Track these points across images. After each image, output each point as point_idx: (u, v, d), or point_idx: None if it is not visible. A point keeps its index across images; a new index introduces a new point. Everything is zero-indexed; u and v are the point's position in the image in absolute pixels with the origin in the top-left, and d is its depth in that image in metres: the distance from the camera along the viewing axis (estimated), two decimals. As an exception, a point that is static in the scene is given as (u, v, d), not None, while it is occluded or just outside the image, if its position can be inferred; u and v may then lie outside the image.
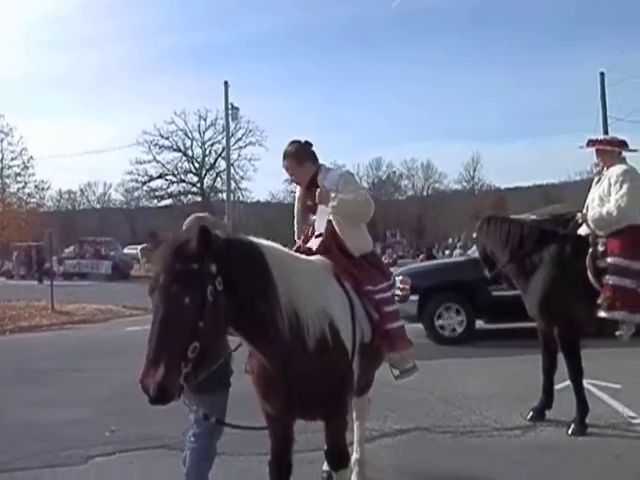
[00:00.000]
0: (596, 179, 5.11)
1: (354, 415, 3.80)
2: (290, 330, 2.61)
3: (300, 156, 3.52)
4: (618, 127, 22.10)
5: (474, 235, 5.99)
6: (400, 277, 8.90)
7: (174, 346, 2.17)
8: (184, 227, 3.08)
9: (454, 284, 9.13)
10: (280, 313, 2.57)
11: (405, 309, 8.40)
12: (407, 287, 8.93)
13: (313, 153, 3.57)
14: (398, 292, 8.74)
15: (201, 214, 3.32)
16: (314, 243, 3.41)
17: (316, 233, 3.46)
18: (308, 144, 3.58)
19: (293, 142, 3.57)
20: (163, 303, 2.21)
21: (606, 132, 20.29)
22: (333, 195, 3.32)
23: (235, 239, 2.65)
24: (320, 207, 3.47)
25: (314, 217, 3.55)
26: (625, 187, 4.69)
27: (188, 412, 3.16)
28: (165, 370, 2.12)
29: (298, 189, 3.74)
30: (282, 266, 2.66)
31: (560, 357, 5.06)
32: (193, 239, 2.28)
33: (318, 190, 3.37)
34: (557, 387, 5.30)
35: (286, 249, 2.99)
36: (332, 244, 3.34)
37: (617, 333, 4.78)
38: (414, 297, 8.97)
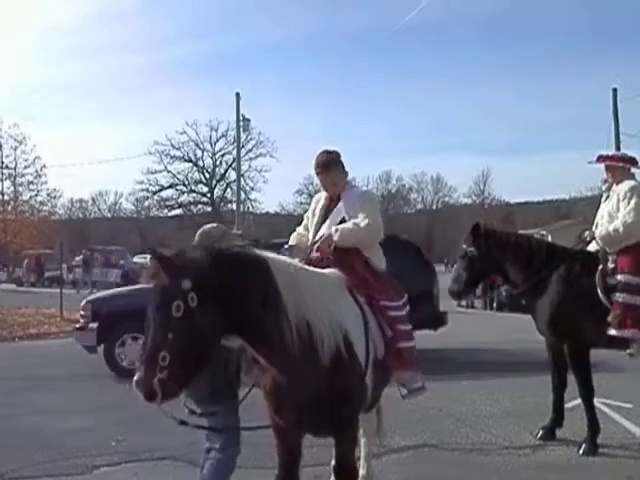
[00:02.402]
0: (605, 195, 5.08)
1: (361, 431, 3.76)
2: (301, 342, 2.59)
3: (341, 165, 3.52)
4: (630, 143, 21.98)
5: (466, 247, 5.25)
6: (83, 304, 8.59)
7: (148, 351, 2.39)
8: (195, 239, 3.09)
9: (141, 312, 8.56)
10: (288, 325, 2.56)
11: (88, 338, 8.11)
12: (87, 314, 8.36)
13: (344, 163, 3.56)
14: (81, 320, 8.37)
15: (209, 226, 3.28)
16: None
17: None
18: (339, 154, 3.55)
19: (329, 151, 3.52)
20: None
21: (618, 148, 20.17)
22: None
23: (233, 253, 2.63)
24: (332, 217, 3.46)
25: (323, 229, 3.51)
26: (633, 203, 4.67)
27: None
28: (143, 370, 2.37)
29: (323, 199, 3.63)
30: (291, 279, 2.64)
31: (570, 375, 5.00)
32: (169, 257, 2.43)
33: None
34: (568, 406, 5.24)
35: (296, 262, 2.96)
36: (351, 255, 3.32)
37: (627, 352, 4.72)
38: (94, 324, 8.26)
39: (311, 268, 3.10)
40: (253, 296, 2.51)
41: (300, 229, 3.75)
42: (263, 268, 2.58)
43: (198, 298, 2.37)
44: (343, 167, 3.53)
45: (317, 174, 3.55)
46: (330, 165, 3.47)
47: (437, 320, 8.84)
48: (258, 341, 2.61)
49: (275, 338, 2.55)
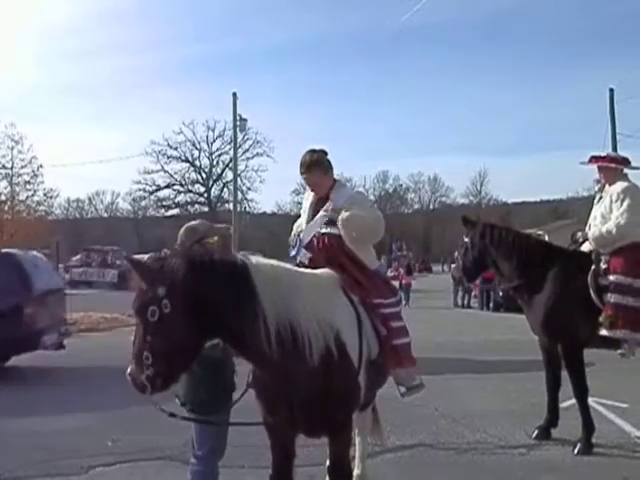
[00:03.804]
0: (598, 196, 5.08)
1: (356, 430, 3.76)
2: (281, 345, 2.57)
3: (325, 165, 3.46)
4: (627, 144, 22.04)
5: (465, 239, 5.43)
6: None
7: (136, 350, 2.53)
8: (179, 238, 3.08)
9: None
10: (266, 326, 2.54)
11: None
12: None
13: (331, 163, 3.52)
14: None
15: (194, 222, 3.24)
16: (303, 255, 3.36)
17: (303, 244, 3.40)
18: (326, 153, 3.51)
19: (314, 151, 3.47)
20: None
21: (615, 148, 20.21)
22: (343, 213, 3.25)
23: (209, 258, 2.61)
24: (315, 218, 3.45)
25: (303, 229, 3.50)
26: (625, 204, 4.68)
27: (189, 423, 3.13)
28: (134, 364, 2.53)
29: (311, 197, 3.60)
30: (272, 281, 2.62)
31: (565, 374, 5.00)
32: (145, 263, 2.54)
33: (329, 202, 3.32)
34: (564, 405, 5.25)
35: (285, 264, 2.90)
36: (340, 255, 3.30)
37: (619, 352, 4.74)
38: None
39: (302, 269, 3.08)
40: (229, 300, 2.52)
41: (298, 222, 3.74)
42: (241, 272, 2.58)
43: (171, 304, 2.43)
44: (329, 167, 3.47)
45: (301, 174, 3.51)
46: (312, 166, 3.42)
47: (25, 343, 8.00)
48: (238, 343, 2.65)
49: (254, 339, 2.55)
